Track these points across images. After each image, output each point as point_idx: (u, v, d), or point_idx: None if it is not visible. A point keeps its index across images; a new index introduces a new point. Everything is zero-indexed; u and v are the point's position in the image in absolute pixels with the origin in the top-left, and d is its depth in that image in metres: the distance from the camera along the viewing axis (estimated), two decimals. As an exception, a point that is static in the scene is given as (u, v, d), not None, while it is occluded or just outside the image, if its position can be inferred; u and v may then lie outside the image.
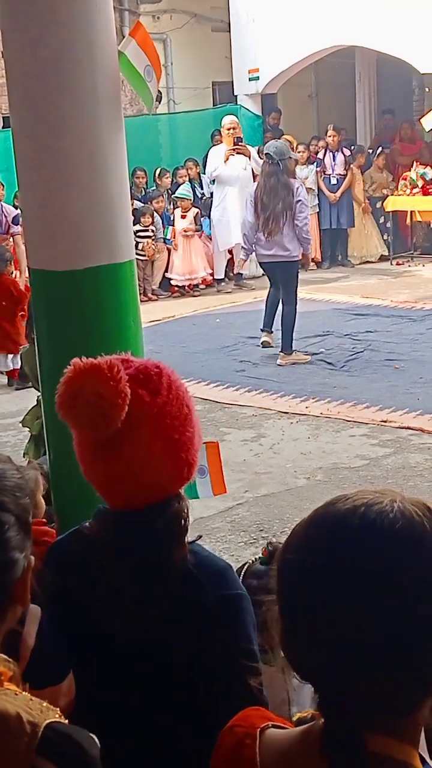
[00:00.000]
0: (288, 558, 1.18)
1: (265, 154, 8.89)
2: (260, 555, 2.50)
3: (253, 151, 12.29)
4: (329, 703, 1.14)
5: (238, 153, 11.91)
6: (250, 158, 12.06)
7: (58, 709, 1.32)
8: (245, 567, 2.46)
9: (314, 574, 1.12)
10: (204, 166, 12.64)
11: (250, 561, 2.49)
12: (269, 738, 1.24)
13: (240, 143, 11.92)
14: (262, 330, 9.07)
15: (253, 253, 8.96)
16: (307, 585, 1.13)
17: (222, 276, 12.58)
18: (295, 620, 1.15)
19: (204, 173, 12.71)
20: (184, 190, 12.50)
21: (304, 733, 1.21)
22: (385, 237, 13.64)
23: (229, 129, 12.04)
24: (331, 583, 1.10)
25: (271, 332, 8.99)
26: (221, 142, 12.36)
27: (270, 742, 1.23)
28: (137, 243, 11.75)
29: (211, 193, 12.58)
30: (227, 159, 11.97)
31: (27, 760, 1.21)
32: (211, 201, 12.50)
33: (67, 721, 1.30)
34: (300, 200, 8.50)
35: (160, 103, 14.23)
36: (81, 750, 1.25)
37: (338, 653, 1.09)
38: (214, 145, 12.61)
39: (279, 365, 8.57)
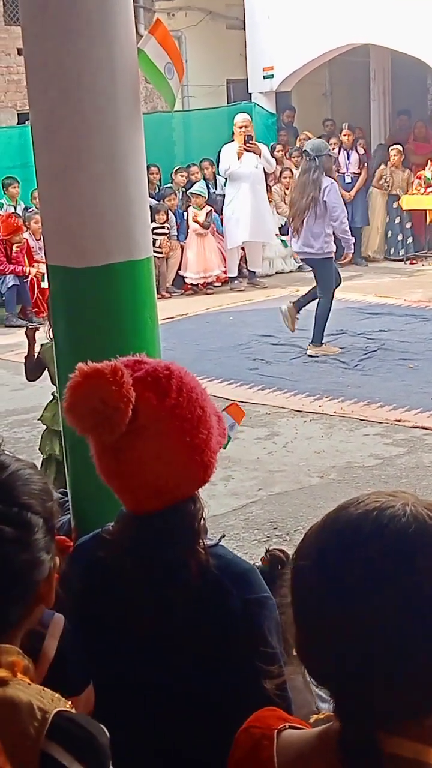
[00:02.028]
0: (301, 564, 1.18)
1: (303, 151, 9.08)
2: (259, 563, 2.48)
3: (264, 149, 12.29)
4: (345, 706, 1.14)
5: (247, 151, 11.91)
6: (260, 156, 12.06)
7: (69, 701, 1.33)
8: None
9: (328, 579, 1.13)
10: (218, 165, 12.64)
11: None
12: (286, 739, 1.24)
13: (250, 141, 11.91)
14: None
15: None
16: (320, 590, 1.13)
17: (235, 274, 12.57)
18: (309, 625, 1.16)
19: (219, 173, 12.72)
20: (199, 186, 12.53)
21: (320, 734, 1.21)
22: (400, 237, 13.61)
23: (241, 127, 12.04)
24: (345, 588, 1.10)
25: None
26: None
27: (287, 743, 1.23)
28: (154, 240, 11.77)
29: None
30: (240, 156, 11.97)
31: (37, 744, 1.23)
32: (224, 199, 12.50)
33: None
34: (328, 200, 8.51)
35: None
36: (90, 736, 1.27)
37: (353, 657, 1.10)
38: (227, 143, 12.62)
39: (309, 356, 8.70)
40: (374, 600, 1.08)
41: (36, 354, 4.96)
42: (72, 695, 1.62)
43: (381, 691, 1.09)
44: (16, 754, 1.23)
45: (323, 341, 8.80)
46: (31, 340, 4.92)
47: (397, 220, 13.59)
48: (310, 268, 9.16)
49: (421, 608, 1.07)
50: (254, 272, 12.60)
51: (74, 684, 1.67)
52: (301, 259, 9.36)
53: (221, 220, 12.56)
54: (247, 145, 11.92)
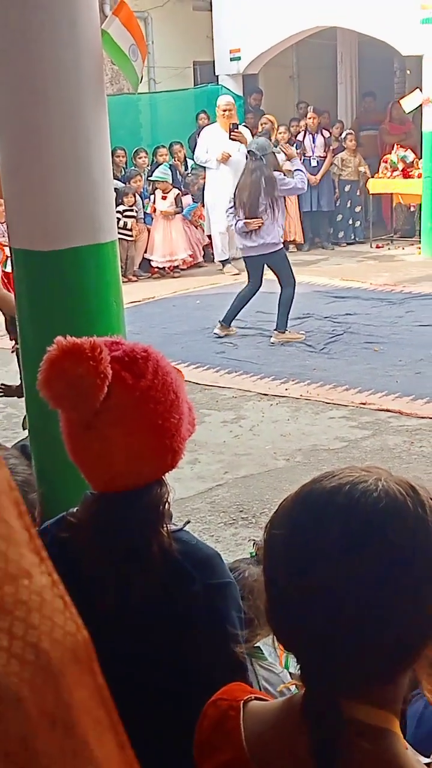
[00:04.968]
0: (274, 533, 1.20)
1: (248, 151, 8.76)
2: (254, 552, 2.49)
3: (249, 135, 12.13)
4: (310, 671, 1.17)
5: (233, 140, 11.69)
6: (246, 145, 11.88)
7: None
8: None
9: (299, 548, 1.15)
10: (190, 147, 12.47)
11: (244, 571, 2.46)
12: (252, 709, 1.26)
13: (236, 130, 11.63)
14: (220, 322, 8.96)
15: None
16: (291, 558, 1.16)
17: (225, 257, 12.31)
18: (280, 591, 1.18)
19: (191, 156, 12.55)
20: (160, 172, 12.33)
21: (286, 702, 1.24)
22: (357, 223, 13.71)
23: (224, 110, 11.72)
24: (315, 557, 1.13)
25: (230, 327, 8.96)
26: (207, 121, 12.15)
27: (253, 713, 1.26)
28: (125, 223, 11.68)
29: (199, 170, 12.46)
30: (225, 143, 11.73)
31: None
32: (204, 182, 12.38)
33: None
34: (281, 185, 8.48)
35: (141, 81, 14.11)
36: None
37: (320, 625, 1.12)
38: (204, 126, 12.43)
39: (272, 344, 8.62)
40: (342, 569, 1.11)
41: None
42: None
43: (345, 659, 1.12)
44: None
45: (287, 328, 8.76)
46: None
47: (348, 205, 13.66)
48: (251, 270, 8.89)
49: (386, 579, 1.10)
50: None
51: None
52: (247, 257, 8.79)
53: (199, 205, 12.44)
54: (233, 133, 11.71)
